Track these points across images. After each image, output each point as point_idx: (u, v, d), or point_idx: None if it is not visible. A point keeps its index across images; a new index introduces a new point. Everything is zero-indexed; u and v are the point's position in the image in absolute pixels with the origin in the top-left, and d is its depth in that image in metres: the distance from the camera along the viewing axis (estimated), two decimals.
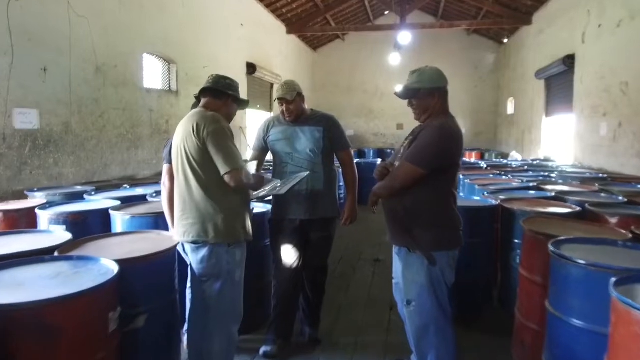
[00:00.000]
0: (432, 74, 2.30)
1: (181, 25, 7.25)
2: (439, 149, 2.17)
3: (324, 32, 14.63)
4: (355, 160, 3.24)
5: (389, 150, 15.71)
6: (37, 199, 3.72)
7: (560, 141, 10.03)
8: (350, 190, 3.04)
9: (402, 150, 2.35)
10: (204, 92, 2.40)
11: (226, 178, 2.17)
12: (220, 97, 2.37)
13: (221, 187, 2.21)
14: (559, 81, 9.76)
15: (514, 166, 7.38)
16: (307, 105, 3.03)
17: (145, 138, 6.29)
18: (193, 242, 2.27)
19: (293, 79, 3.08)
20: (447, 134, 2.20)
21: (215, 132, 2.18)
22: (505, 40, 14.48)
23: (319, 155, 2.89)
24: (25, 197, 3.91)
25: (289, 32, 12.89)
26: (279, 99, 2.85)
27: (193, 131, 2.18)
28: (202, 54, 7.93)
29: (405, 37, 12.31)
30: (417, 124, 2.39)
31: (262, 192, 2.50)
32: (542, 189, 4.26)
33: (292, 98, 2.82)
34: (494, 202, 3.54)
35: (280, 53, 12.44)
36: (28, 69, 4.37)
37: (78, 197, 3.77)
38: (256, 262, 3.01)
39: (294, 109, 2.87)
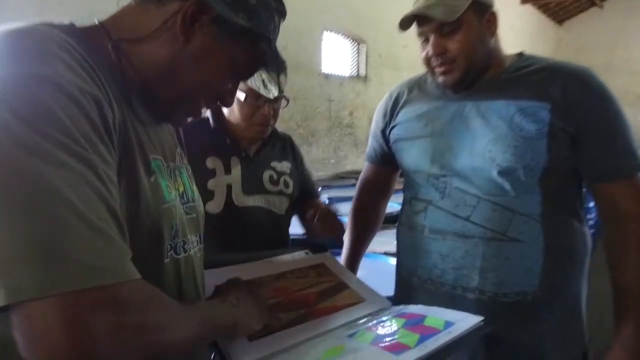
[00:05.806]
0: None
1: None
2: None
3: None
4: None
5: None
6: None
7: None
8: (632, 311, 0.95)
9: None
10: None
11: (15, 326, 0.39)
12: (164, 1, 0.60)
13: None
14: None
15: None
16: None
17: (321, 133, 5.27)
18: None
19: None
20: None
21: None
22: None
23: (532, 188, 0.96)
24: None
25: (524, 1, 10.41)
26: (418, 25, 1.00)
27: None
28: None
29: None
30: None
31: None
32: None
33: (450, 18, 0.95)
34: None
35: (510, 28, 10.04)
36: None
37: None
38: None
39: (461, 50, 0.98)
